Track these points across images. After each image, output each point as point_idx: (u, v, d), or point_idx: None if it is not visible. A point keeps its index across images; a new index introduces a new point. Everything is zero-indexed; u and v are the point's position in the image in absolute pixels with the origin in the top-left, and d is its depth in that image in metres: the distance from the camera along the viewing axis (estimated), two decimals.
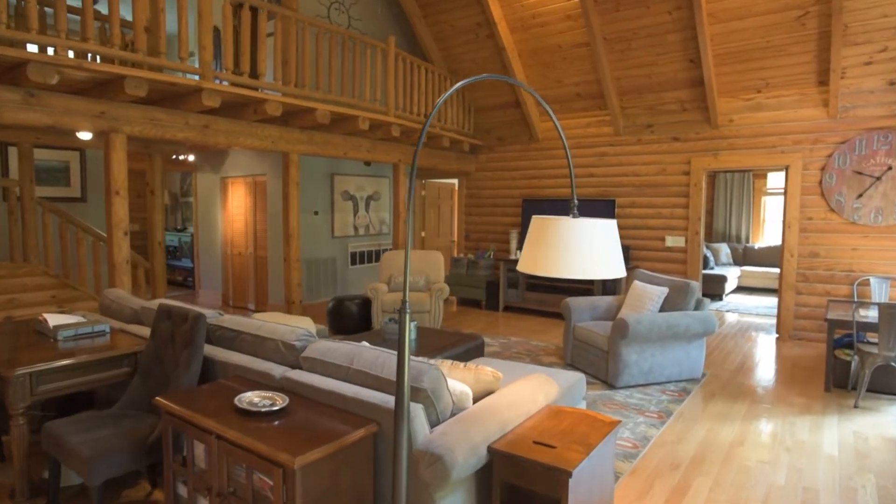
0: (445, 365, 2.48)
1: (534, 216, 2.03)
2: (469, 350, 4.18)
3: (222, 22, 4.73)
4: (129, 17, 7.05)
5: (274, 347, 2.55)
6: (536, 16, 6.47)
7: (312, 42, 6.44)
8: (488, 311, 7.68)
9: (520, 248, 7.68)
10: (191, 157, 7.34)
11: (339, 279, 7.75)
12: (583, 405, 3.28)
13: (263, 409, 2.08)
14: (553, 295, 7.16)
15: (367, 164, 7.84)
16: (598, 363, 4.50)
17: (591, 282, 6.86)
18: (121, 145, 4.33)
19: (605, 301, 5.04)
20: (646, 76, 6.37)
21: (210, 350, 2.75)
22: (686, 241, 6.54)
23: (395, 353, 2.26)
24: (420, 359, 2.16)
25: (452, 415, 2.21)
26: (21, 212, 4.85)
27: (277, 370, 2.42)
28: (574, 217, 1.98)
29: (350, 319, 6.14)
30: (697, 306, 4.56)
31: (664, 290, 4.57)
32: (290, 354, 2.50)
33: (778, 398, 4.16)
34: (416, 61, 6.61)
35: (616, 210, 6.97)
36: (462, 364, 2.49)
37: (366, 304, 6.18)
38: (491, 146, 8.17)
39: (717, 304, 8.14)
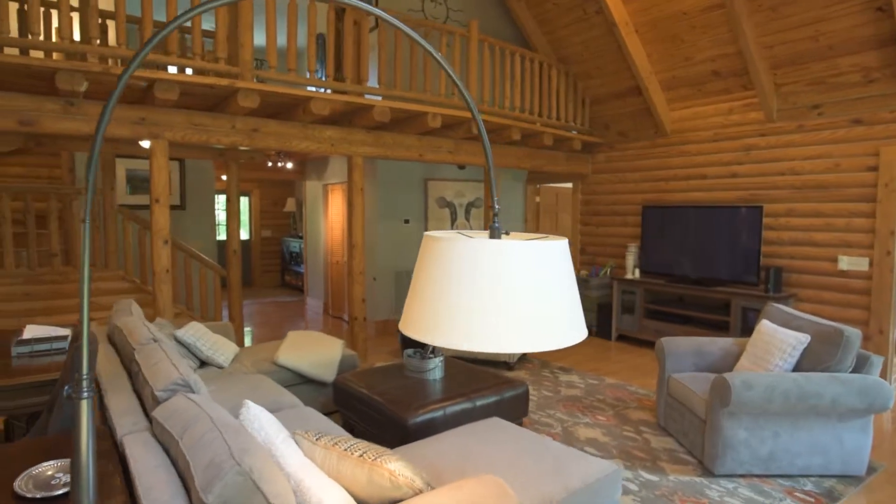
0: (334, 452, 1.67)
1: (426, 234, 1.13)
2: (504, 401, 3.24)
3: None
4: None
5: (149, 395, 1.99)
6: None
7: (374, 34, 5.97)
8: (598, 338, 6.45)
9: (638, 265, 6.34)
10: (289, 165, 7.35)
11: None
12: None
13: (38, 496, 1.50)
14: (677, 326, 5.72)
15: (461, 167, 7.14)
16: (694, 434, 3.22)
17: (728, 311, 5.30)
18: (161, 152, 4.22)
19: (718, 345, 3.67)
20: (809, 39, 4.71)
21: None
22: (871, 264, 4.69)
23: (230, 427, 1.52)
24: (225, 450, 1.39)
25: None
26: (103, 219, 5.08)
27: (125, 429, 1.84)
28: (495, 238, 1.09)
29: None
30: (859, 366, 3.03)
31: (804, 339, 3.12)
32: (154, 408, 1.90)
33: None
34: (510, 48, 5.75)
35: (763, 220, 5.31)
36: (357, 452, 1.65)
37: None
38: (611, 143, 6.91)
39: None
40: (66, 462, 1.68)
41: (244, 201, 10.75)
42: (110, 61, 4.37)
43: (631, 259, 6.27)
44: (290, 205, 10.33)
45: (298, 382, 3.76)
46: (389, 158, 5.52)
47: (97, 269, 4.96)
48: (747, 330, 5.07)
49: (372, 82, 6.24)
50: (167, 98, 3.90)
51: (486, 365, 5.23)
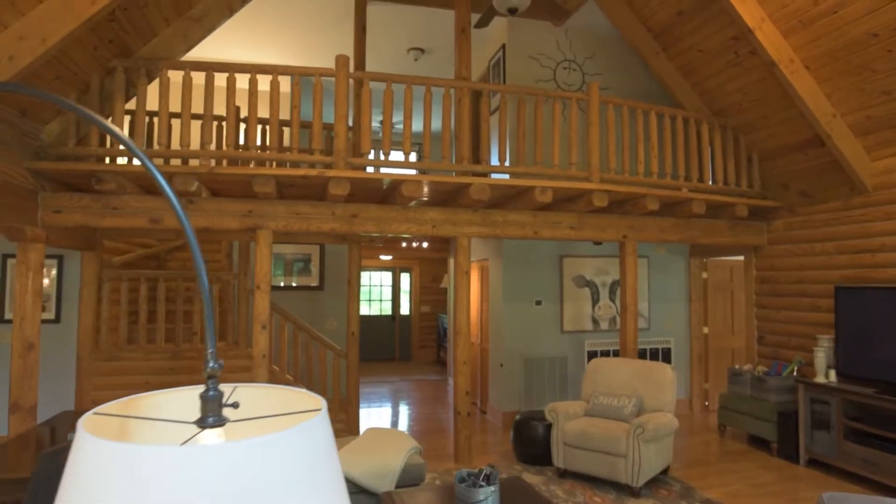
0: None
1: (79, 423, 0.78)
2: None
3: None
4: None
5: None
6: (820, 1, 4.10)
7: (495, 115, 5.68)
8: (779, 459, 4.91)
9: (833, 365, 4.75)
10: (424, 244, 7.36)
11: (569, 383, 6.32)
12: None
13: None
14: None
15: (598, 243, 6.34)
16: None
17: None
18: (265, 241, 4.44)
19: None
20: None
21: None
22: None
23: None
24: None
25: None
26: (237, 301, 5.54)
27: None
28: (207, 417, 0.73)
29: (535, 444, 4.76)
30: None
31: None
32: None
33: None
34: (642, 106, 5.03)
35: None
36: None
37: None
38: (791, 206, 5.53)
39: None
40: None
41: (405, 277, 11.16)
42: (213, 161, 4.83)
43: (822, 356, 4.73)
44: (446, 281, 10.39)
45: (355, 491, 3.41)
46: (499, 237, 5.11)
47: (228, 347, 5.37)
48: None
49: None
50: (266, 191, 4.12)
51: (601, 484, 4.27)
